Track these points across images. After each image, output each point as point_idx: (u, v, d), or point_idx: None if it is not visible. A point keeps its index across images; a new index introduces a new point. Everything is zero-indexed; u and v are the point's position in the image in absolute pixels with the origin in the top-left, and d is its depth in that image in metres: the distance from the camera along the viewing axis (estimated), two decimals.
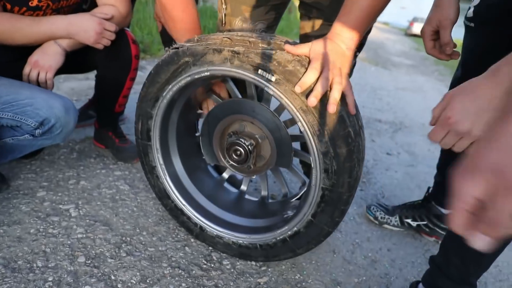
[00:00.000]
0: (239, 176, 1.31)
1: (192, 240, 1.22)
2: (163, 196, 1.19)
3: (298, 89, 0.83)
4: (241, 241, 1.11)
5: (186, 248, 1.19)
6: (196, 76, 0.97)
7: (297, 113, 0.88)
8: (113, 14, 1.28)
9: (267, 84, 0.89)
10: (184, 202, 1.17)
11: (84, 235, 1.16)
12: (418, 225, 1.48)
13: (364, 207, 1.62)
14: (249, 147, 1.05)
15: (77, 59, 1.39)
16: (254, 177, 1.18)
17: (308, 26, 1.17)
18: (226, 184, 1.32)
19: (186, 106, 1.16)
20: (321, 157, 0.89)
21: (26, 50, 1.26)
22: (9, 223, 1.15)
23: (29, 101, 1.09)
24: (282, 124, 1.02)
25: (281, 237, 1.04)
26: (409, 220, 1.49)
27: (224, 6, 1.19)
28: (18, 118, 1.09)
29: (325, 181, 0.91)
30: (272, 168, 1.13)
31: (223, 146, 1.11)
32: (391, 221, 1.51)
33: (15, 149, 1.19)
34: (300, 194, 1.19)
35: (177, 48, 0.97)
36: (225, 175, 1.30)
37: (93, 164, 1.57)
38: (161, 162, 1.15)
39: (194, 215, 1.16)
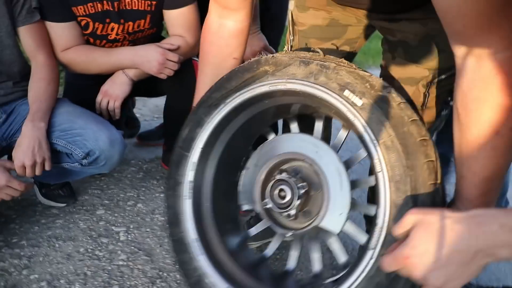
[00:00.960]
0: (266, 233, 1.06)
1: None
2: (174, 222, 0.98)
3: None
4: None
5: None
6: (270, 88, 0.87)
7: (378, 148, 0.72)
8: (179, 45, 1.30)
9: (351, 108, 0.76)
10: (194, 237, 0.95)
11: (125, 263, 1.16)
12: None
13: None
14: (299, 190, 0.86)
15: (148, 86, 1.45)
16: (288, 235, 0.93)
17: (391, 66, 1.00)
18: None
19: (243, 130, 1.02)
20: (393, 212, 0.69)
21: (104, 76, 1.36)
22: (65, 238, 1.22)
23: (80, 131, 1.15)
24: (345, 175, 0.84)
25: None
26: None
27: (291, 37, 1.10)
28: (69, 147, 1.15)
29: (389, 247, 0.68)
30: (311, 233, 0.91)
31: (267, 183, 0.94)
32: None
33: (70, 174, 1.27)
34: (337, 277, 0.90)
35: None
36: (253, 230, 1.07)
37: (155, 186, 1.61)
38: (191, 179, 0.96)
39: (198, 257, 0.92)
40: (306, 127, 0.99)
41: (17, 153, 1.06)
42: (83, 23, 1.25)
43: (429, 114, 0.95)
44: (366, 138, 0.74)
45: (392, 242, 0.64)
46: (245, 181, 1.01)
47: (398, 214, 0.68)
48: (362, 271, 0.70)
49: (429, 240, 0.53)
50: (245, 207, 1.08)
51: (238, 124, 0.99)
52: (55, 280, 1.07)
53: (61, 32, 1.24)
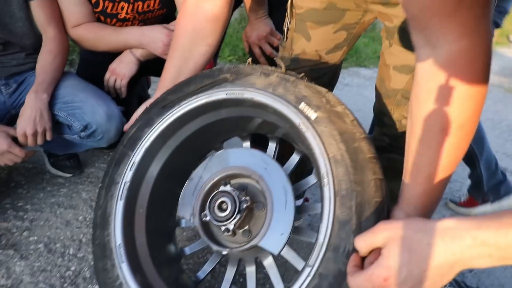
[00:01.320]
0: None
1: None
2: (101, 224, 0.89)
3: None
4: None
5: None
6: (227, 95, 0.86)
7: (326, 162, 0.71)
8: None
9: (305, 121, 0.76)
10: (119, 242, 0.85)
11: None
12: None
13: None
14: (241, 204, 0.81)
15: (157, 66, 1.48)
16: (224, 253, 0.85)
17: (387, 53, 0.97)
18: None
19: (194, 140, 0.97)
20: (336, 228, 0.65)
21: (116, 54, 1.39)
22: (66, 206, 1.29)
23: (80, 105, 1.18)
24: (292, 195, 0.81)
25: None
26: None
27: (288, 20, 1.09)
28: (69, 119, 1.19)
29: (328, 265, 0.64)
30: (250, 253, 0.85)
31: (209, 195, 0.87)
32: None
33: (73, 146, 1.32)
34: None
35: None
36: (188, 249, 1.01)
37: None
38: (128, 180, 0.89)
39: (121, 265, 0.82)
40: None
41: (19, 122, 1.11)
42: (93, 0, 1.29)
43: None
44: (316, 151, 0.72)
45: (331, 260, 0.63)
46: (186, 192, 0.94)
47: (340, 230, 0.65)
48: None
49: (405, 258, 0.51)
50: (183, 224, 1.03)
51: (189, 131, 0.95)
52: (52, 244, 1.13)
53: (73, 9, 1.28)
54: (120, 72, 1.35)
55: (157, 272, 0.86)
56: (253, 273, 0.88)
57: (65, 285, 1.00)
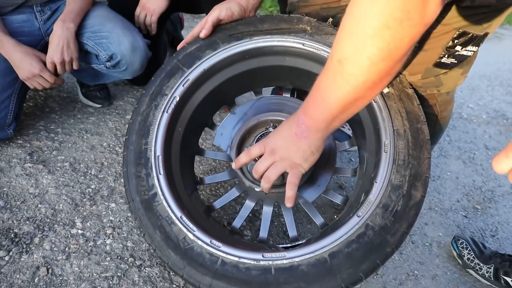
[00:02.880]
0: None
1: None
2: (142, 132, 0.88)
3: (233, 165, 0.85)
4: None
5: None
6: (303, 46, 0.91)
7: (390, 133, 0.80)
8: None
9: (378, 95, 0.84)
10: (159, 154, 0.85)
11: None
12: None
13: (452, 236, 1.25)
14: None
15: (189, 2, 1.46)
16: (258, 189, 0.88)
17: None
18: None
19: (249, 76, 1.00)
20: (388, 189, 0.74)
21: None
22: (93, 132, 1.36)
23: (107, 34, 1.19)
24: (335, 153, 0.92)
25: None
26: (510, 280, 1.08)
27: None
28: (96, 48, 1.22)
29: (376, 219, 0.72)
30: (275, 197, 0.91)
31: (252, 132, 0.95)
32: (481, 269, 1.12)
33: (102, 76, 1.36)
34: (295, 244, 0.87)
35: None
36: (207, 179, 1.03)
37: None
38: (178, 94, 0.90)
39: (157, 177, 0.82)
40: None
41: (48, 50, 1.15)
42: None
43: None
44: (381, 121, 0.80)
45: (379, 216, 0.72)
46: (227, 124, 0.97)
47: (391, 192, 0.74)
48: (346, 233, 0.72)
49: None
50: (206, 154, 1.06)
51: (248, 66, 0.97)
52: (77, 164, 1.21)
53: None
54: (150, 7, 1.34)
55: (185, 191, 0.89)
56: (269, 213, 0.93)
57: (84, 200, 1.08)
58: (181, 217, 0.78)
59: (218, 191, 1.23)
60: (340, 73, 0.59)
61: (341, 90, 0.60)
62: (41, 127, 1.34)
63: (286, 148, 0.74)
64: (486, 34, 0.81)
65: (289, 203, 0.75)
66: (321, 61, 0.91)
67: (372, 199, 0.73)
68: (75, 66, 1.20)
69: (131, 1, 1.40)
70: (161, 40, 1.66)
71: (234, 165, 0.84)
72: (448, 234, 1.27)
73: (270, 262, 0.70)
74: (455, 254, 1.17)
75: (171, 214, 0.78)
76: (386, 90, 0.83)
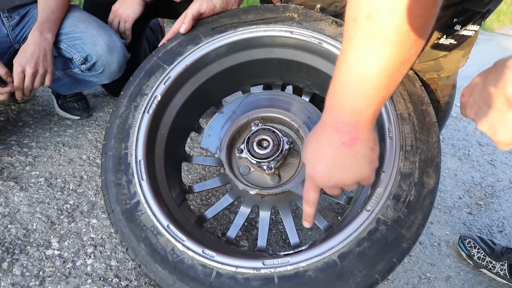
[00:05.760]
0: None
1: None
2: (117, 136, 0.80)
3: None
4: None
5: None
6: (292, 34, 0.85)
7: (394, 118, 0.73)
8: None
9: None
10: (140, 158, 0.77)
11: None
12: None
13: (459, 235, 1.18)
14: (283, 145, 0.81)
15: (166, 7, 1.40)
16: (253, 192, 0.82)
17: None
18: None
19: (235, 72, 0.94)
20: (398, 179, 0.67)
21: None
22: (71, 145, 1.26)
23: (80, 35, 1.11)
24: None
25: None
26: None
27: None
28: (69, 50, 1.13)
29: (387, 212, 0.64)
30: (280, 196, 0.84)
31: (242, 132, 0.89)
32: (494, 267, 1.05)
33: (77, 83, 1.26)
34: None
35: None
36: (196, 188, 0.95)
37: None
38: (159, 94, 0.83)
39: (139, 183, 0.74)
40: None
41: (19, 59, 1.04)
42: None
43: None
44: (382, 110, 0.74)
45: (391, 208, 0.65)
46: (214, 125, 0.90)
47: (402, 181, 0.68)
48: (356, 230, 0.64)
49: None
50: (193, 160, 0.99)
51: (235, 61, 0.91)
52: (53, 179, 1.10)
53: None
54: (124, 13, 1.26)
55: (173, 199, 0.81)
56: (267, 219, 0.85)
57: (62, 217, 0.98)
58: (168, 226, 0.68)
59: (209, 200, 1.14)
60: (375, 33, 0.45)
61: (383, 55, 0.46)
62: (13, 141, 1.23)
63: (343, 169, 0.55)
64: (488, 11, 0.76)
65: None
66: (311, 50, 0.85)
67: (381, 191, 0.66)
68: (47, 81, 1.09)
69: (104, 9, 1.33)
70: (141, 50, 1.58)
71: (307, 225, 0.66)
72: (455, 232, 1.20)
73: (272, 270, 0.61)
74: (464, 255, 1.10)
75: (157, 224, 0.68)
76: None
